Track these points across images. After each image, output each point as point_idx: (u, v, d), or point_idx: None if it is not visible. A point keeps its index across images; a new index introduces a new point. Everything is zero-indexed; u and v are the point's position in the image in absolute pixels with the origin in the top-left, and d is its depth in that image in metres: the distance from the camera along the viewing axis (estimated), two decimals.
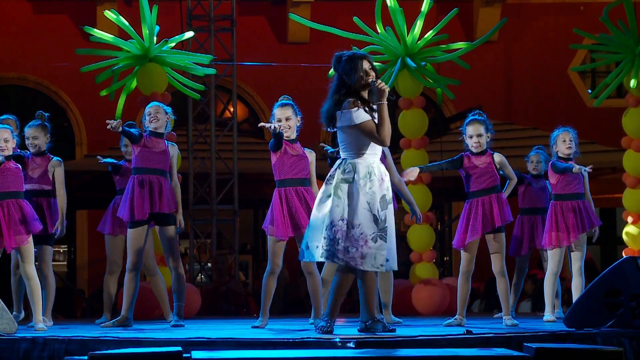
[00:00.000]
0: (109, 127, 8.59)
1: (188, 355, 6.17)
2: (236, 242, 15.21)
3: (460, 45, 12.77)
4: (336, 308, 7.38)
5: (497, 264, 8.70)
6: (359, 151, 7.31)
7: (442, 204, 19.04)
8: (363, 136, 7.27)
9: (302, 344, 6.55)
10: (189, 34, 13.07)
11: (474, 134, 8.79)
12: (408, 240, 12.92)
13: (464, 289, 8.79)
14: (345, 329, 8.14)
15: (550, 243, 9.43)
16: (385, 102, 7.26)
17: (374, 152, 7.35)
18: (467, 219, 8.77)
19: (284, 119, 8.62)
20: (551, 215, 9.53)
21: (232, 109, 15.72)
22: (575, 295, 9.42)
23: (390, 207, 7.34)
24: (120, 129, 8.69)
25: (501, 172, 8.94)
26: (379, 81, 7.29)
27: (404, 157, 12.93)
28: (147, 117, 9.15)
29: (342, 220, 7.24)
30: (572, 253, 9.63)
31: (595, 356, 6.30)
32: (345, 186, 7.28)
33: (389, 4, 12.33)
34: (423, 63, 12.43)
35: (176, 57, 12.38)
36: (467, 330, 7.21)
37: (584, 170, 9.48)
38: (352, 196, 7.26)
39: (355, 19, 12.44)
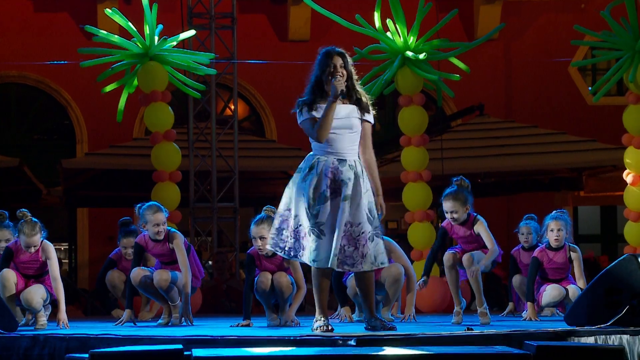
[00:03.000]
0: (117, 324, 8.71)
1: (189, 353, 6.16)
2: (237, 240, 15.20)
3: (459, 44, 12.81)
4: (325, 305, 7.37)
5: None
6: (315, 146, 7.41)
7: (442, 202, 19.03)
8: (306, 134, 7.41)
9: (303, 342, 6.55)
10: (190, 33, 13.06)
11: (449, 211, 8.69)
12: (408, 238, 12.92)
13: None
14: (346, 327, 8.14)
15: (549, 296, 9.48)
16: (334, 100, 7.28)
17: (327, 150, 7.34)
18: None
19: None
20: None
21: (232, 107, 15.71)
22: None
23: (337, 204, 7.24)
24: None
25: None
26: (338, 79, 7.32)
27: (404, 155, 12.93)
28: (151, 229, 8.93)
29: (288, 210, 7.33)
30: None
31: (596, 354, 6.29)
32: (296, 176, 7.39)
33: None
34: (423, 54, 12.39)
35: (177, 55, 12.38)
36: (468, 328, 7.21)
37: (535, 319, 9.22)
38: (294, 187, 7.35)
39: (357, 16, 12.45)
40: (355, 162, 7.37)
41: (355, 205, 7.26)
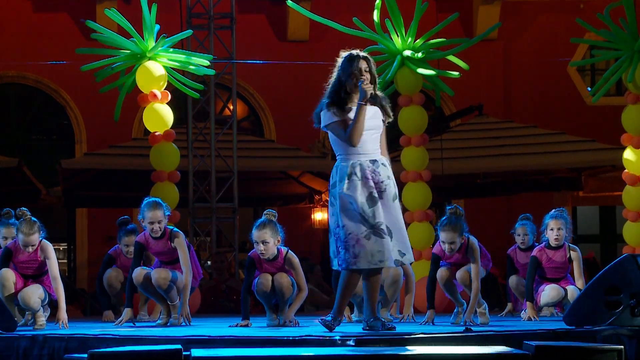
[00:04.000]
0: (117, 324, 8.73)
1: (188, 353, 6.16)
2: (236, 240, 15.21)
3: (458, 41, 12.81)
4: (343, 306, 7.44)
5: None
6: (343, 151, 7.40)
7: (442, 201, 19.04)
8: (335, 137, 7.38)
9: (302, 342, 6.56)
10: (187, 33, 13.06)
11: (447, 242, 8.70)
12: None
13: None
14: (346, 326, 8.15)
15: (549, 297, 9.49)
16: (365, 103, 7.32)
17: (358, 153, 7.38)
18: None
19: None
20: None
21: (231, 107, 15.71)
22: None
23: (386, 203, 7.35)
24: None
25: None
26: (366, 82, 7.35)
27: (404, 155, 12.93)
28: (147, 225, 8.92)
29: (339, 227, 7.34)
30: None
31: (595, 354, 6.29)
32: (334, 192, 7.41)
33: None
34: (421, 52, 12.39)
35: (176, 56, 12.38)
36: (467, 328, 7.21)
37: (534, 319, 9.23)
38: (337, 200, 7.35)
39: (354, 19, 12.44)
40: (384, 161, 7.48)
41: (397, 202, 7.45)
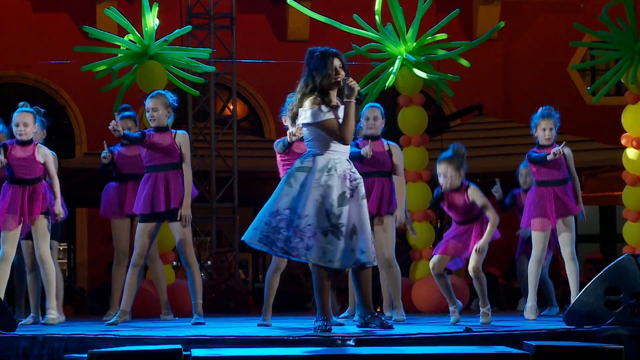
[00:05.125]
0: (110, 127, 8.67)
1: (188, 353, 6.16)
2: (236, 240, 15.20)
3: (459, 44, 12.78)
4: (327, 306, 7.35)
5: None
6: (323, 148, 7.33)
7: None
8: (325, 134, 7.31)
9: (302, 342, 6.56)
10: (186, 29, 13.05)
11: (441, 173, 8.74)
12: (408, 238, 12.91)
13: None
14: (345, 326, 8.15)
15: (533, 227, 9.40)
16: (353, 100, 7.30)
17: (338, 150, 7.35)
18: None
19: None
20: (532, 201, 9.48)
21: (231, 107, 15.72)
22: (571, 279, 9.42)
23: (356, 201, 7.33)
24: (122, 134, 8.75)
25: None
26: (350, 79, 7.33)
27: (404, 155, 12.90)
28: (148, 114, 9.17)
29: (289, 209, 7.24)
30: (559, 238, 9.54)
31: (595, 354, 6.30)
32: (300, 175, 7.30)
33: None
34: (423, 57, 12.40)
35: (175, 53, 12.37)
36: (466, 328, 7.21)
37: (561, 148, 9.31)
38: (304, 186, 7.26)
39: (355, 16, 12.43)
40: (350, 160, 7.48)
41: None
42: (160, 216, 9.02)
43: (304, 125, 7.38)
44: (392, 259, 9.40)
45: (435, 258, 8.76)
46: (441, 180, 8.66)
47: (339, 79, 7.33)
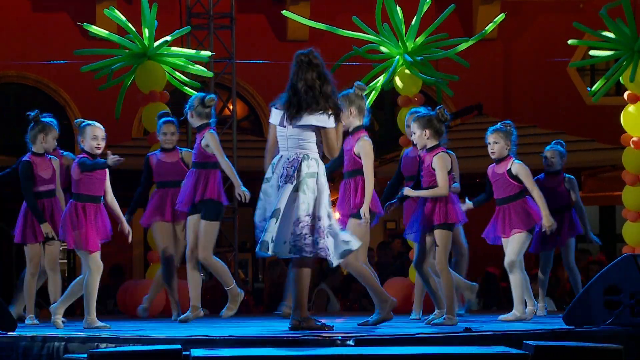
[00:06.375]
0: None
1: (187, 353, 6.17)
2: (236, 240, 15.19)
3: (458, 41, 12.78)
4: (304, 302, 7.48)
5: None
6: (318, 152, 7.60)
7: None
8: (326, 140, 7.53)
9: (301, 342, 6.56)
10: (185, 30, 13.05)
11: (409, 127, 8.95)
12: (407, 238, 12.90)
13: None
14: (345, 326, 8.15)
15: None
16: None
17: (321, 156, 7.65)
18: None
19: None
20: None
21: (231, 107, 15.71)
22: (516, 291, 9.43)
23: None
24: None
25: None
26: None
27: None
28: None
29: (308, 215, 7.41)
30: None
31: (595, 354, 6.30)
32: (311, 181, 7.48)
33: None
34: (420, 58, 12.39)
35: (175, 55, 12.37)
36: (466, 328, 7.22)
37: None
38: (315, 191, 7.48)
39: (354, 18, 12.42)
40: None
41: None
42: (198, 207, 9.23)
43: (318, 128, 7.54)
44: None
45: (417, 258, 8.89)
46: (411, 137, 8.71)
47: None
